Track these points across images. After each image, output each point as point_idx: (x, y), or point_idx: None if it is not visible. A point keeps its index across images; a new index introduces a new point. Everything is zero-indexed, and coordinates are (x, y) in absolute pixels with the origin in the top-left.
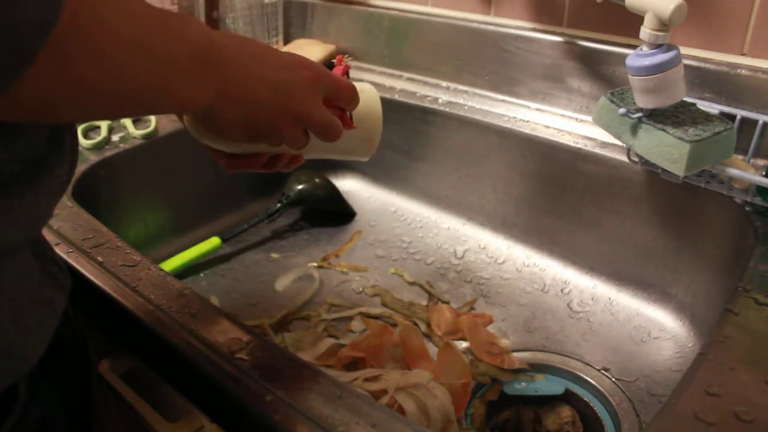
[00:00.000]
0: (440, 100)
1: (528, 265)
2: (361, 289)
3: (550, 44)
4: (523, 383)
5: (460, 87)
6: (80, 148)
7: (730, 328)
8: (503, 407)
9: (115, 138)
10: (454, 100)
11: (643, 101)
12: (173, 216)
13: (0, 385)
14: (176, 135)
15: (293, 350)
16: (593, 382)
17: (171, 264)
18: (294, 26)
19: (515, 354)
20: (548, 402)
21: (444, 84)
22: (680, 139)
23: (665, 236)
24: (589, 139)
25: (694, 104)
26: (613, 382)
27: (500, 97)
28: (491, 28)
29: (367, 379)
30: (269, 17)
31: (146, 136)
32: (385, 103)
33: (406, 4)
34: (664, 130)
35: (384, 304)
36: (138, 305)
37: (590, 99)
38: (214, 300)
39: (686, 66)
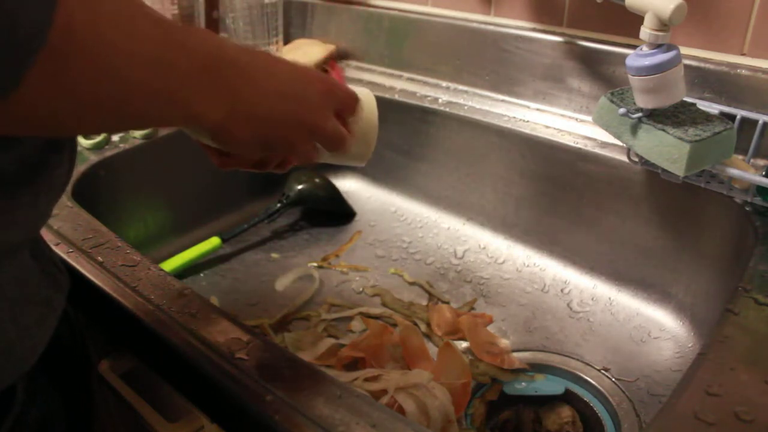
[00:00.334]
0: (440, 100)
1: (528, 265)
2: (361, 289)
3: (550, 44)
4: (523, 383)
5: (460, 87)
6: (80, 148)
7: (730, 328)
8: (503, 407)
9: (115, 138)
10: (454, 100)
11: (643, 101)
12: (173, 216)
13: None
14: (176, 135)
15: (293, 350)
16: (593, 382)
17: (171, 264)
18: (294, 26)
19: (515, 354)
20: (548, 402)
21: (444, 84)
22: (680, 139)
23: (665, 236)
24: (589, 139)
25: (694, 104)
26: (613, 382)
27: (500, 97)
28: (491, 28)
29: (367, 379)
30: (269, 17)
31: (146, 136)
32: (385, 103)
33: (406, 4)
34: (664, 130)
35: (384, 304)
36: (138, 305)
37: (590, 99)
38: (214, 300)
39: (686, 66)
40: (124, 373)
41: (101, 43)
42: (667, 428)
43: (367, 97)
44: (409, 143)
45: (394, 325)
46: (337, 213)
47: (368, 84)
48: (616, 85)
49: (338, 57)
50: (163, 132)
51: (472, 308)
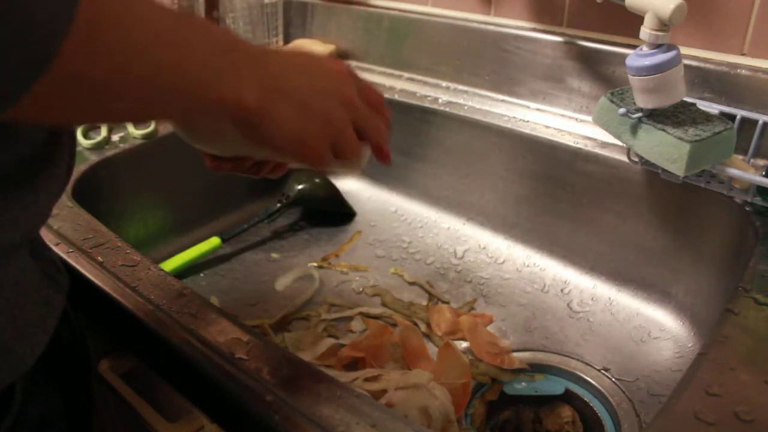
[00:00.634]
0: (440, 100)
1: (528, 265)
2: (361, 289)
3: (550, 44)
4: (523, 383)
5: (460, 87)
6: (80, 148)
7: (730, 328)
8: (503, 407)
9: (115, 138)
10: (454, 100)
11: (643, 101)
12: (173, 216)
13: None
14: (176, 135)
15: (293, 350)
16: (593, 382)
17: (171, 264)
18: (294, 26)
19: (515, 354)
20: (548, 402)
21: (444, 84)
22: (680, 139)
23: (665, 236)
24: (589, 139)
25: (694, 104)
26: (613, 382)
27: (500, 97)
28: (491, 28)
29: (367, 379)
30: (269, 17)
31: (146, 136)
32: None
33: (406, 4)
34: (664, 130)
35: (384, 304)
36: (138, 305)
37: (590, 99)
38: (214, 300)
39: (686, 66)
40: (124, 373)
41: (119, 24)
42: (667, 428)
43: None
44: (409, 143)
45: (394, 325)
46: (337, 213)
47: None
48: (616, 85)
49: (338, 57)
50: (163, 132)
51: (472, 308)
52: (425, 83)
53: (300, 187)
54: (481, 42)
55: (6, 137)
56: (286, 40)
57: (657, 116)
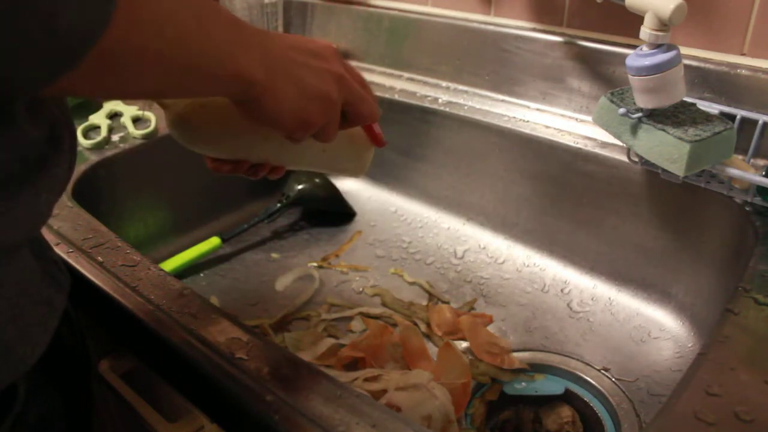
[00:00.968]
0: (440, 100)
1: (528, 265)
2: (361, 289)
3: (550, 44)
4: (523, 383)
5: (460, 87)
6: (80, 148)
7: (730, 328)
8: (503, 407)
9: (115, 138)
10: (454, 100)
11: (643, 101)
12: (173, 216)
13: None
14: None
15: (293, 350)
16: (593, 382)
17: (171, 264)
18: (294, 26)
19: (515, 354)
20: (548, 402)
21: (444, 84)
22: (680, 139)
23: (665, 236)
24: (589, 139)
25: (694, 104)
26: (613, 382)
27: (500, 97)
28: (491, 28)
29: (367, 379)
30: (269, 17)
31: (146, 136)
32: (385, 103)
33: (406, 4)
34: (664, 130)
35: (384, 304)
36: (138, 305)
37: (590, 99)
38: (214, 300)
39: (686, 66)
40: (124, 373)
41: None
42: (667, 428)
43: None
44: (409, 143)
45: (394, 325)
46: (337, 213)
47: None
48: (616, 85)
49: None
50: (163, 132)
51: (472, 308)
52: (425, 83)
53: (300, 187)
54: (481, 42)
55: (7, 136)
56: None
57: (657, 116)
